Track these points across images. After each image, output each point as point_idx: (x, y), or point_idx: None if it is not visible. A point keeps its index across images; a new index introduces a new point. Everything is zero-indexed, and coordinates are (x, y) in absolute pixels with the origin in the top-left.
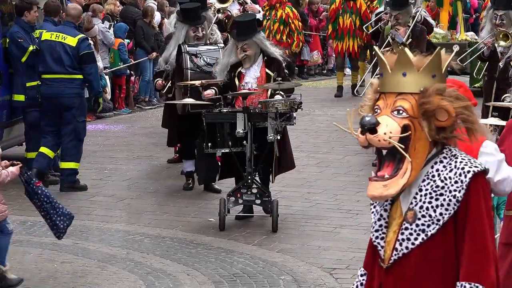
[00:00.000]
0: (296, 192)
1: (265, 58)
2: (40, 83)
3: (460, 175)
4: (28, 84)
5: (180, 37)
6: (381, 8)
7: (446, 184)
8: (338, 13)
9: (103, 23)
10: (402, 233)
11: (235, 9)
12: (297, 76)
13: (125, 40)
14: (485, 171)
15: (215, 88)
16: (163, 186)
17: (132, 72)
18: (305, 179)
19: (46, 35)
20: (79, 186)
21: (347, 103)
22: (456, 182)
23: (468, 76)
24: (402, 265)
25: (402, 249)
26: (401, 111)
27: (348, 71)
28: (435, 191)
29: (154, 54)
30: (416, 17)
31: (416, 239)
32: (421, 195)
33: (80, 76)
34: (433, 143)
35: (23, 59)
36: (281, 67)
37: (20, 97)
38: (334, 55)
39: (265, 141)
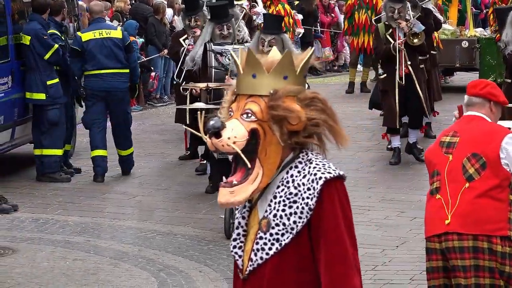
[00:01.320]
0: None
1: None
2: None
3: (312, 181)
4: (48, 82)
5: (206, 36)
6: None
7: (299, 191)
8: (354, 8)
9: (111, 21)
10: (257, 243)
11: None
12: (308, 73)
13: (136, 37)
14: (341, 177)
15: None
16: (175, 183)
17: (152, 68)
18: None
19: (88, 35)
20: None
21: (358, 99)
22: (308, 189)
23: (478, 72)
24: (258, 276)
25: (257, 260)
26: (249, 115)
27: (360, 67)
28: (288, 199)
29: (166, 51)
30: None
31: (270, 248)
32: (275, 203)
33: (128, 70)
34: (291, 147)
35: (47, 56)
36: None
37: (41, 96)
38: (344, 51)
39: None
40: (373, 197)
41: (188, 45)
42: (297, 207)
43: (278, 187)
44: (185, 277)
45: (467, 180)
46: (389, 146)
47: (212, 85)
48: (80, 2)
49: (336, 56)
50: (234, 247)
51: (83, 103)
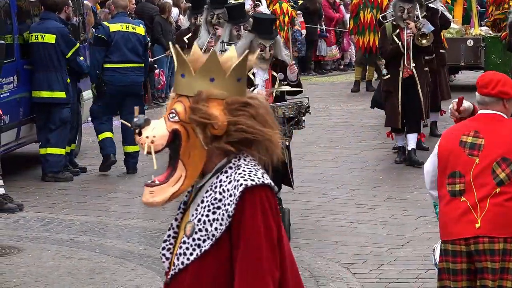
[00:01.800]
0: (313, 187)
1: (273, 59)
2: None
3: (234, 188)
4: (68, 81)
5: (224, 36)
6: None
7: (224, 196)
8: (359, 7)
9: None
10: (180, 247)
11: (247, 5)
12: (313, 71)
13: None
14: (265, 185)
15: None
16: None
17: (156, 66)
18: (322, 174)
19: (116, 27)
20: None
21: (363, 98)
22: (230, 195)
23: (483, 71)
24: (178, 282)
25: (178, 264)
26: (173, 115)
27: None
28: (213, 204)
29: None
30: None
31: (191, 254)
32: (202, 207)
33: (143, 65)
34: (225, 152)
35: (69, 55)
36: (286, 68)
37: (62, 94)
38: (349, 50)
39: None
40: (379, 196)
41: (208, 41)
42: (219, 213)
43: (207, 191)
44: None
45: (497, 185)
46: (395, 146)
47: None
48: (85, 2)
49: (341, 55)
50: (163, 248)
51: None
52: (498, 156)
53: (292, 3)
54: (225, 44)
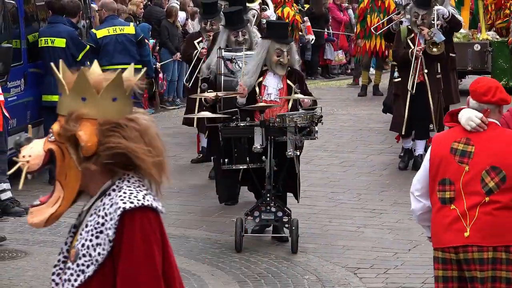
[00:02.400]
0: (320, 191)
1: (289, 68)
2: None
3: (115, 211)
4: None
5: (221, 42)
6: None
7: (106, 220)
8: (366, 12)
9: None
10: (65, 273)
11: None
12: (320, 76)
13: (149, 39)
14: (146, 207)
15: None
16: (187, 186)
17: (160, 70)
18: (329, 179)
19: (102, 32)
20: None
21: (370, 102)
22: (111, 219)
23: (490, 75)
24: None
25: None
26: (51, 134)
27: (372, 70)
28: (96, 228)
29: (178, 54)
30: (442, 14)
31: (76, 280)
32: (86, 232)
33: (140, 66)
34: (110, 173)
35: (79, 57)
36: (302, 79)
37: None
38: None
39: (284, 157)
40: (385, 201)
41: (202, 48)
42: (102, 238)
43: (91, 215)
44: (197, 280)
45: (486, 194)
46: (401, 154)
47: (221, 94)
48: (92, 5)
49: (348, 59)
50: (53, 273)
51: None
52: (487, 165)
53: (300, 7)
54: (223, 50)
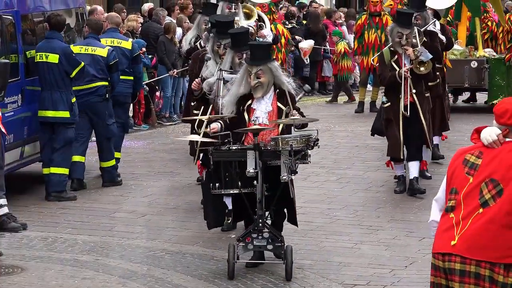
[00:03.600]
0: (316, 207)
1: (277, 90)
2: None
3: None
4: (72, 100)
5: (226, 64)
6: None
7: None
8: (363, 28)
9: None
10: None
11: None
12: (318, 92)
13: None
14: None
15: (221, 122)
16: (184, 202)
17: (157, 87)
18: (326, 195)
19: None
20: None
21: (367, 119)
22: None
23: (487, 92)
24: None
25: None
26: None
27: (370, 87)
28: None
29: (176, 71)
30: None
31: None
32: None
33: (132, 78)
34: None
35: (73, 74)
36: (294, 100)
37: (65, 114)
38: (355, 72)
39: (278, 181)
40: (382, 217)
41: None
42: None
43: None
44: None
45: (481, 205)
46: (396, 175)
47: (212, 116)
48: None
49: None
50: None
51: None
52: (487, 177)
53: (295, 24)
54: (223, 72)
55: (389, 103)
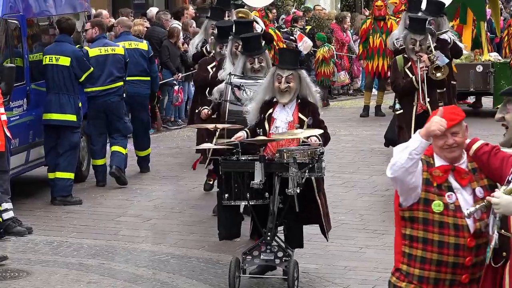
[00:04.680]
0: None
1: (299, 100)
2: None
3: None
4: (79, 105)
5: (237, 68)
6: (396, 31)
7: None
8: (368, 33)
9: None
10: None
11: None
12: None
13: None
14: None
15: (247, 130)
16: (189, 206)
17: (175, 82)
18: (331, 199)
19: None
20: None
21: (372, 123)
22: None
23: (492, 96)
24: None
25: None
26: None
27: (375, 91)
28: None
29: (180, 75)
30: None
31: None
32: None
33: (149, 78)
34: None
35: (82, 78)
36: (316, 112)
37: (73, 117)
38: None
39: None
40: (387, 221)
41: (203, 109)
42: None
43: None
44: None
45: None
46: None
47: (220, 126)
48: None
49: (351, 80)
50: None
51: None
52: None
53: (299, 28)
54: (233, 76)
55: (401, 110)
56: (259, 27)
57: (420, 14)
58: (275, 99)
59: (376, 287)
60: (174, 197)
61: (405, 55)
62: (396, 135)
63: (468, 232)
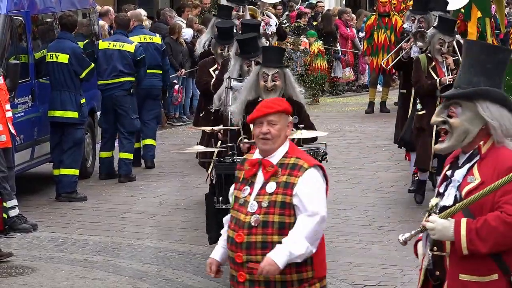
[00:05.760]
0: (327, 208)
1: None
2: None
3: None
4: (81, 101)
5: (233, 72)
6: (405, 25)
7: None
8: (373, 29)
9: None
10: None
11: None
12: (328, 93)
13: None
14: None
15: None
16: (194, 202)
17: (175, 82)
18: (336, 195)
19: (134, 39)
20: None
21: (377, 119)
22: None
23: None
24: None
25: None
26: None
27: (379, 87)
28: None
29: (184, 71)
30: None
31: None
32: None
33: (161, 71)
34: None
35: (82, 75)
36: (302, 111)
37: (74, 114)
38: (367, 72)
39: None
40: (392, 217)
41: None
42: None
43: None
44: None
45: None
46: (410, 189)
47: (217, 128)
48: (100, 22)
49: (356, 76)
50: None
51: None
52: None
53: (302, 24)
54: (232, 80)
55: (423, 111)
56: (273, 21)
57: (408, 13)
58: (260, 99)
59: (381, 283)
60: (179, 193)
61: (429, 54)
62: (413, 137)
63: (246, 229)
